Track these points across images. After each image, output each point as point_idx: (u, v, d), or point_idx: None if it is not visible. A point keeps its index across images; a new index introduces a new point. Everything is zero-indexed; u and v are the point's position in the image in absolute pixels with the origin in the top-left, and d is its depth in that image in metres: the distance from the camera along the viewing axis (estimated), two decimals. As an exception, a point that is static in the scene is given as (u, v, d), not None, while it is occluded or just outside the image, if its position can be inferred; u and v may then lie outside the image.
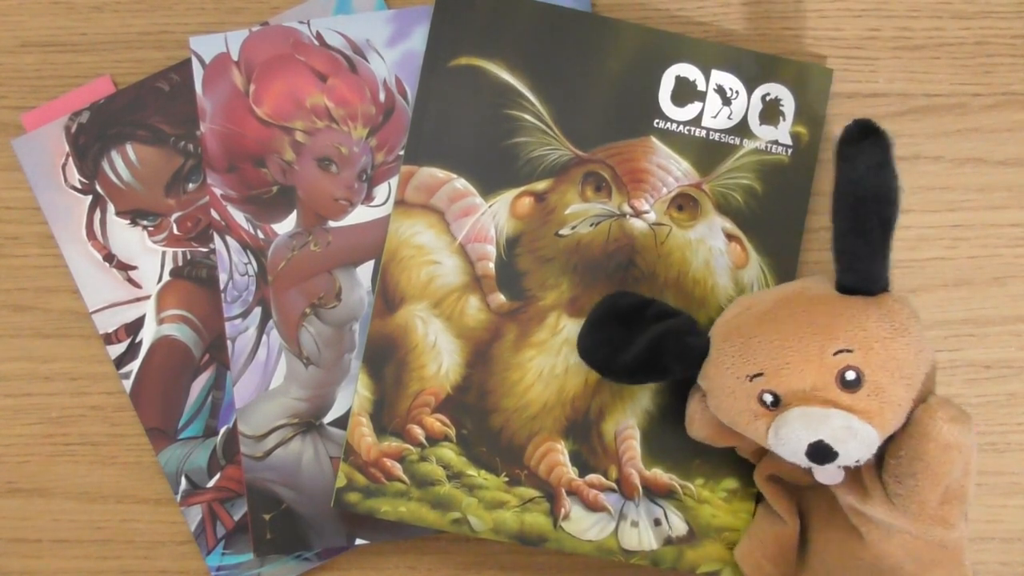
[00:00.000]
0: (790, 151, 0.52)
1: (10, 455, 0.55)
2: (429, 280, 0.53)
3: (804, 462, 0.43)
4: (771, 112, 0.52)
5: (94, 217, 0.55)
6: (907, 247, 0.54)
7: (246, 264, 0.54)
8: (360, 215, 0.54)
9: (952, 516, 0.44)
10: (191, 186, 0.55)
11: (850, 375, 0.43)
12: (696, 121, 0.53)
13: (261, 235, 0.54)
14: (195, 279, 0.55)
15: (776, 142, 0.52)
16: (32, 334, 0.55)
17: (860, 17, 0.54)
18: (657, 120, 0.53)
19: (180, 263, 0.55)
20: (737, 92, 0.52)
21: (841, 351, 0.43)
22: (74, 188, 0.55)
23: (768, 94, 0.52)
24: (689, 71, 0.53)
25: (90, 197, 0.55)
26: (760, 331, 0.45)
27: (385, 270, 0.53)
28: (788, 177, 0.53)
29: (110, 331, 0.55)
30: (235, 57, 0.55)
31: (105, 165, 0.55)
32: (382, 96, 0.54)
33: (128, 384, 0.55)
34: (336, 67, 0.54)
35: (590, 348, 0.49)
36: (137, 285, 0.55)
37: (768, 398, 0.44)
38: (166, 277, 0.55)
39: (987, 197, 0.54)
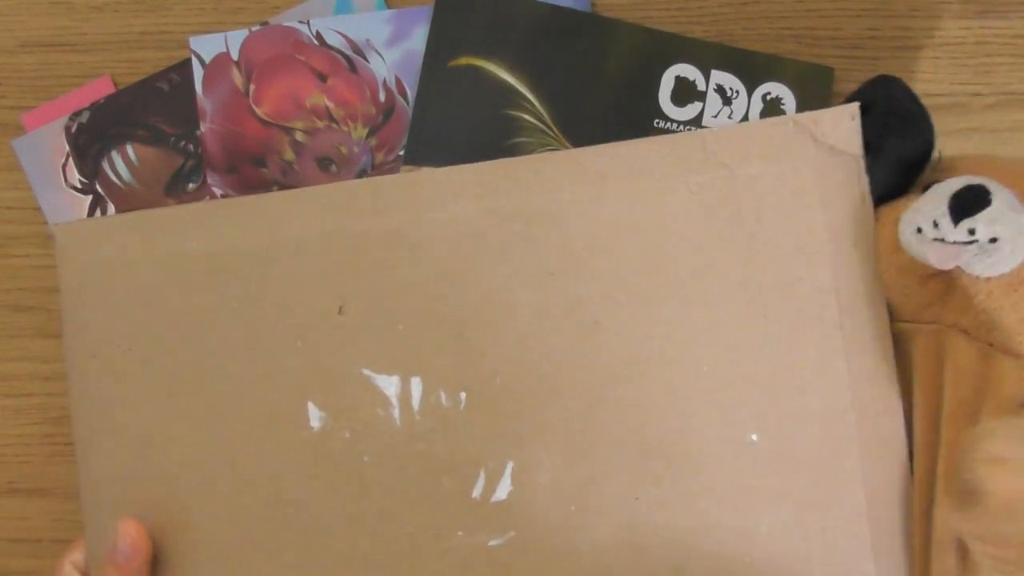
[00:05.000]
0: (791, 150, 0.53)
1: (10, 455, 0.55)
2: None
3: (937, 211, 0.37)
4: (772, 111, 0.52)
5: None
6: (907, 247, 0.54)
7: (246, 264, 0.54)
8: (360, 215, 0.54)
9: None
10: (191, 186, 0.55)
11: None
12: (696, 121, 0.53)
13: (261, 235, 0.54)
14: (195, 279, 0.55)
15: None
16: (32, 334, 0.55)
17: (860, 17, 0.54)
18: (657, 120, 0.53)
19: (180, 263, 0.55)
20: (737, 92, 0.53)
21: None
22: (74, 188, 0.55)
23: (769, 93, 0.52)
24: (689, 71, 0.53)
25: (90, 197, 0.55)
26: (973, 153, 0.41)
27: (385, 270, 0.53)
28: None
29: (110, 331, 0.55)
30: (235, 57, 0.55)
31: (105, 165, 0.55)
32: (382, 96, 0.54)
33: (128, 384, 0.55)
34: (336, 67, 0.54)
35: None
36: (137, 285, 0.55)
37: (930, 181, 0.39)
38: (166, 277, 0.55)
39: (987, 197, 0.54)
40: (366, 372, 0.45)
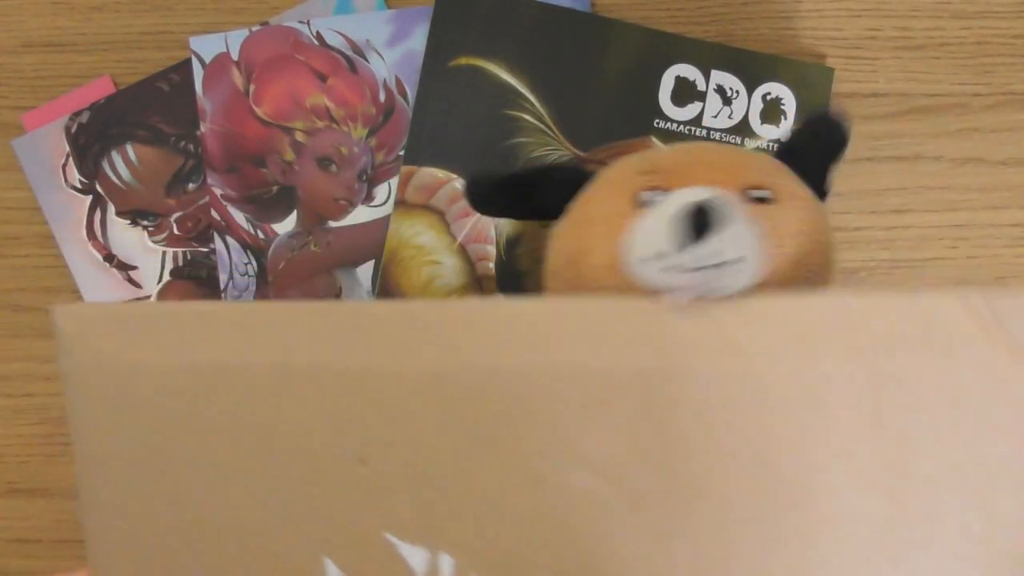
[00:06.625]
0: (791, 150, 0.53)
1: (10, 455, 0.55)
2: (429, 280, 0.53)
3: (661, 238, 0.32)
4: (772, 111, 0.52)
5: (94, 217, 0.55)
6: (907, 247, 0.54)
7: (246, 264, 0.54)
8: (360, 215, 0.54)
9: None
10: (191, 186, 0.55)
11: (759, 193, 0.35)
12: (696, 121, 0.53)
13: (261, 235, 0.54)
14: (195, 279, 0.55)
15: (778, 141, 0.52)
16: (32, 334, 0.55)
17: (860, 17, 0.54)
18: (657, 120, 0.53)
19: (180, 263, 0.55)
20: (737, 92, 0.53)
21: (757, 176, 0.37)
22: (74, 188, 0.55)
23: (769, 93, 0.52)
24: (689, 71, 0.53)
25: (90, 197, 0.55)
26: (669, 148, 0.40)
27: (385, 270, 0.53)
28: (788, 177, 0.53)
29: (110, 331, 0.55)
30: (235, 57, 0.55)
31: (105, 165, 0.55)
32: (382, 96, 0.54)
33: (128, 384, 0.55)
34: (336, 67, 0.54)
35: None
36: (137, 285, 0.55)
37: (649, 195, 0.35)
38: (166, 277, 0.55)
39: (987, 197, 0.54)
40: (390, 538, 0.38)
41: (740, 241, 0.32)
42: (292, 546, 0.39)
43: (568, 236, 0.39)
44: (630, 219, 0.35)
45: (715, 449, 0.35)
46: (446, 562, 0.38)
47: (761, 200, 0.35)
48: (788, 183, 0.38)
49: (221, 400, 0.39)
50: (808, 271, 0.35)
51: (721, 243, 0.31)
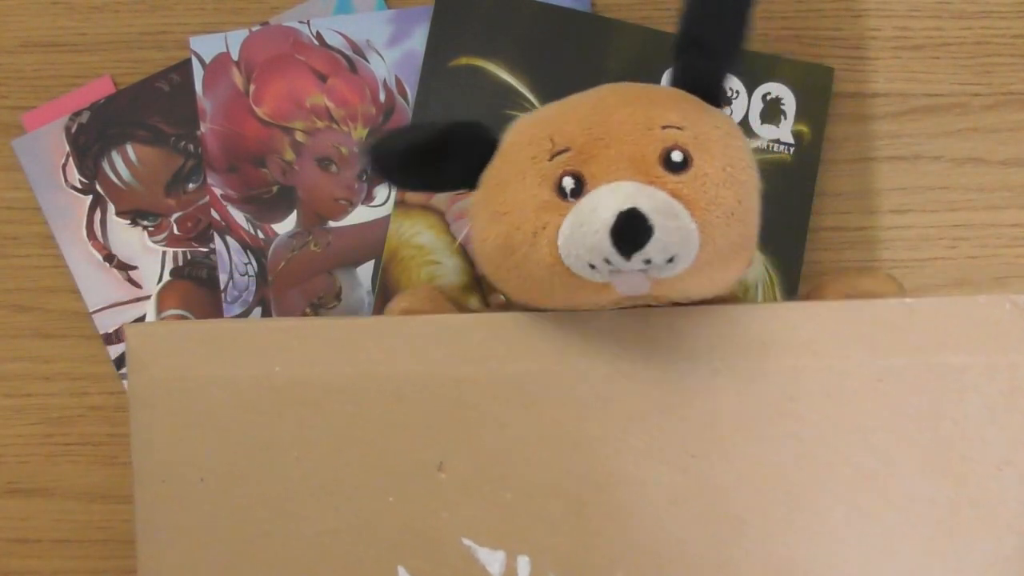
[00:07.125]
0: (792, 150, 0.52)
1: (10, 455, 0.55)
2: (429, 280, 0.53)
3: (604, 251, 0.34)
4: (772, 111, 0.52)
5: (94, 217, 0.55)
6: (907, 247, 0.54)
7: (246, 264, 0.54)
8: (360, 215, 0.54)
9: None
10: (191, 186, 0.55)
11: (676, 155, 0.36)
12: (696, 121, 0.53)
13: (261, 235, 0.54)
14: (195, 279, 0.55)
15: (778, 141, 0.52)
16: (32, 334, 0.55)
17: (860, 17, 0.54)
18: (657, 120, 0.53)
19: (180, 263, 0.55)
20: (737, 92, 0.52)
21: (670, 127, 0.36)
22: (74, 188, 0.55)
23: (769, 93, 0.52)
24: (689, 71, 0.53)
25: (90, 197, 0.55)
26: (574, 103, 0.39)
27: (385, 270, 0.53)
28: (791, 176, 0.53)
29: (110, 331, 0.55)
30: (235, 57, 0.55)
31: (105, 165, 0.55)
32: (382, 96, 0.54)
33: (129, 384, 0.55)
34: (336, 67, 0.54)
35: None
36: (137, 285, 0.55)
37: (569, 183, 0.36)
38: (166, 277, 0.55)
39: (987, 197, 0.54)
40: (466, 542, 0.39)
41: (667, 245, 0.34)
42: (365, 557, 0.39)
43: (495, 226, 0.38)
44: (557, 213, 0.36)
45: (788, 440, 0.37)
46: (523, 563, 0.39)
47: (679, 165, 0.36)
48: (700, 126, 0.37)
49: (296, 413, 0.40)
50: (741, 215, 0.36)
51: (647, 254, 0.33)
